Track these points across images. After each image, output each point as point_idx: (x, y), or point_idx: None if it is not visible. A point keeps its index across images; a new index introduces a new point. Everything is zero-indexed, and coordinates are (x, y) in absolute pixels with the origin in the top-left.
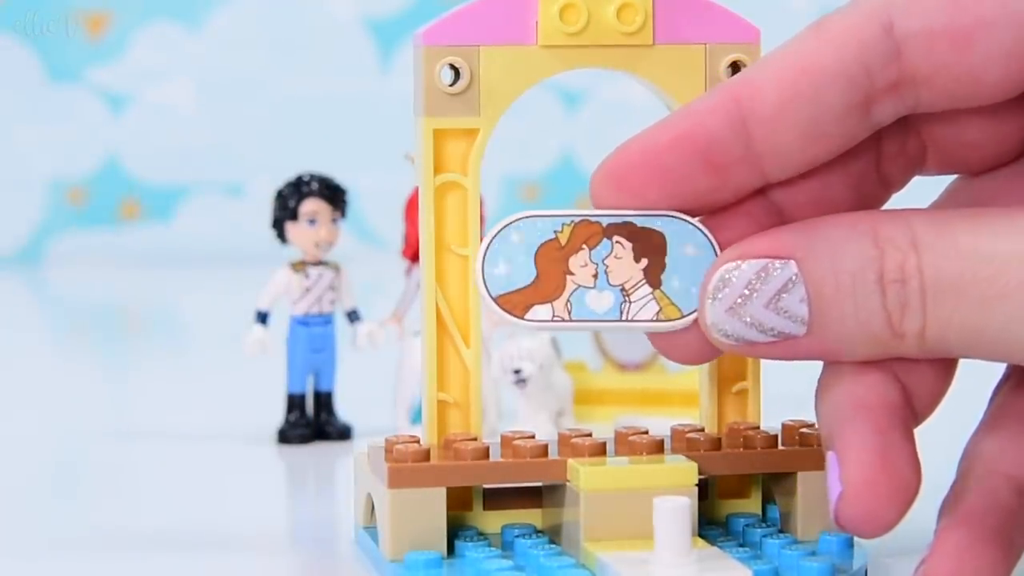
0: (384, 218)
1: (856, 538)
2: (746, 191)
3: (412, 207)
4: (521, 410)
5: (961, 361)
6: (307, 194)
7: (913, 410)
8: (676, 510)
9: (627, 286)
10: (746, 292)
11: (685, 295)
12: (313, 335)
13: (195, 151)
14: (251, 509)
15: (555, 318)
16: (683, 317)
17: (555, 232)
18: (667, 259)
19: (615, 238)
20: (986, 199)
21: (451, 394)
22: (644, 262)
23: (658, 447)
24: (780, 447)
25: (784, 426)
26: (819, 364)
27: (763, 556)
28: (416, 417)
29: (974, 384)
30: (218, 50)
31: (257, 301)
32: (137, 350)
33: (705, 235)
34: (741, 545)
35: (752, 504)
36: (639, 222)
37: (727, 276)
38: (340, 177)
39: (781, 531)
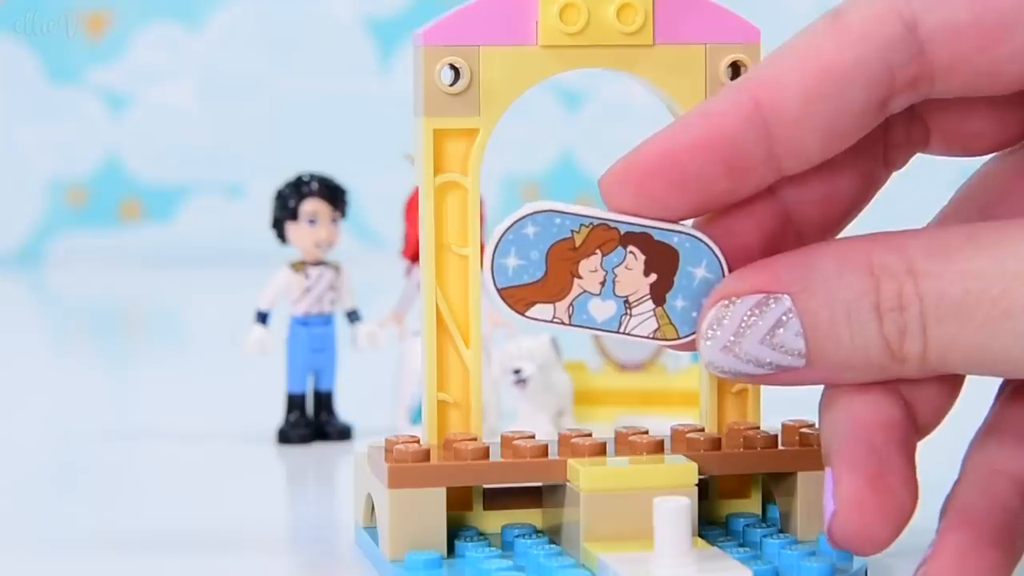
0: (384, 218)
1: None
2: (760, 189)
3: (412, 207)
4: (521, 410)
5: None
6: (307, 194)
7: (916, 424)
8: (676, 510)
9: (631, 299)
10: (740, 330)
11: (686, 318)
12: (313, 335)
13: (195, 151)
14: (251, 509)
15: (555, 319)
16: (679, 339)
17: (572, 232)
18: (676, 277)
19: (630, 247)
20: (994, 200)
21: (451, 394)
22: (653, 277)
23: (658, 447)
24: (780, 447)
25: (784, 426)
26: None
27: (763, 556)
28: (416, 417)
29: (976, 384)
30: (218, 50)
31: (257, 301)
32: (137, 350)
33: (718, 258)
34: (741, 545)
35: (752, 504)
36: (656, 235)
37: (720, 315)
38: (340, 177)
39: (781, 531)
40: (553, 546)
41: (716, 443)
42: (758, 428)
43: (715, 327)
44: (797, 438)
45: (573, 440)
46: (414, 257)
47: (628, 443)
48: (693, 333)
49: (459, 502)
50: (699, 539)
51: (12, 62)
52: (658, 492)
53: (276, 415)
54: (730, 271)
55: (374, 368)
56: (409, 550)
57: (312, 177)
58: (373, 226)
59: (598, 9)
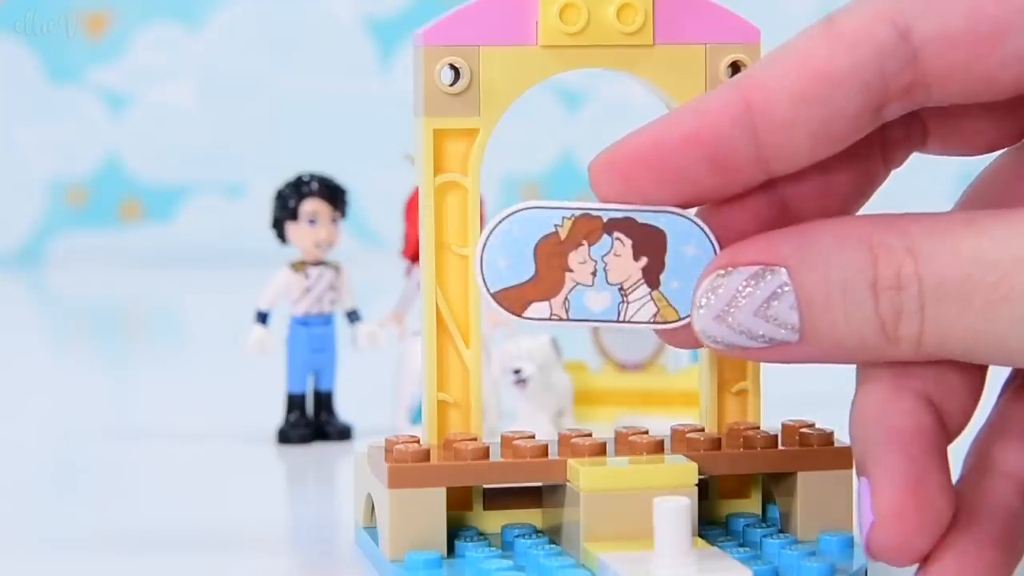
0: (384, 218)
1: (856, 537)
2: (750, 187)
3: (412, 207)
4: (521, 410)
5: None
6: (307, 194)
7: (946, 429)
8: (676, 510)
9: (625, 285)
10: (734, 300)
11: (683, 297)
12: (313, 335)
13: (195, 151)
14: (251, 509)
15: (552, 316)
16: (680, 320)
17: (555, 226)
18: (667, 258)
19: (615, 234)
20: (1002, 200)
21: (451, 394)
22: (643, 260)
23: (658, 447)
24: (780, 447)
25: (784, 426)
26: (820, 365)
27: (763, 556)
28: (416, 417)
29: None
30: (218, 50)
31: (257, 301)
32: (137, 350)
33: (706, 234)
34: (741, 545)
35: (752, 504)
36: (640, 218)
37: (715, 284)
38: (340, 177)
39: (781, 531)
40: (553, 546)
41: (716, 443)
42: (758, 428)
43: (709, 296)
44: (797, 438)
45: (573, 440)
46: (414, 257)
47: (628, 443)
48: None
49: (459, 502)
50: (699, 539)
51: (12, 62)
52: (658, 492)
53: (276, 415)
54: (721, 248)
55: (374, 368)
56: (409, 550)
57: (312, 177)
58: (373, 226)
59: (598, 9)
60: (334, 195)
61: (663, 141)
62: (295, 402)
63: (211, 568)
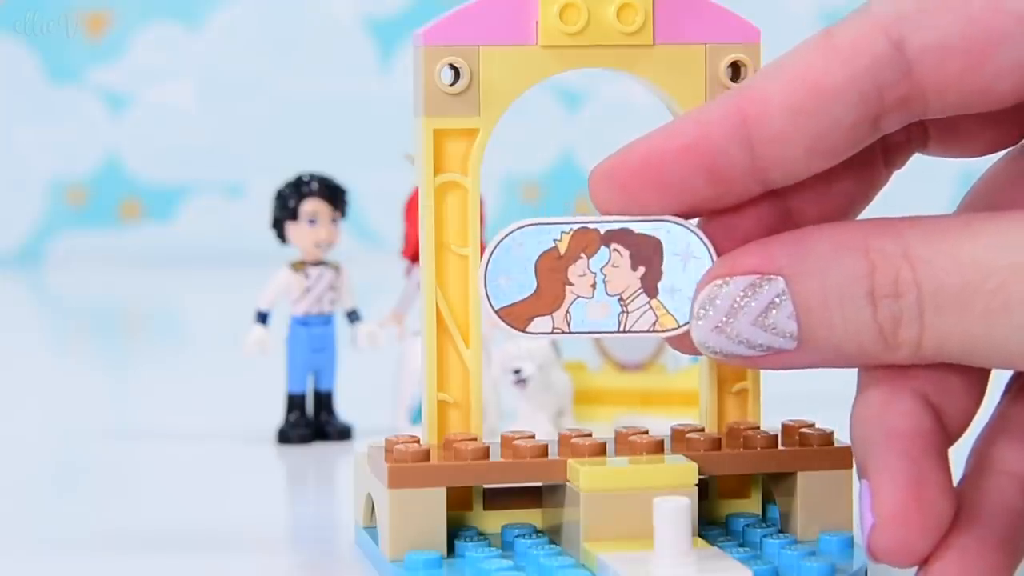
0: (384, 218)
1: (856, 537)
2: (747, 198)
3: (412, 207)
4: (521, 410)
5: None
6: (307, 194)
7: (946, 431)
8: (676, 510)
9: (624, 296)
10: (732, 310)
11: (681, 305)
12: (313, 335)
13: (195, 151)
14: (251, 509)
15: (555, 330)
16: (679, 327)
17: (554, 241)
18: (663, 267)
19: (613, 246)
20: (1002, 202)
21: (451, 394)
22: (641, 270)
23: (658, 447)
24: (780, 447)
25: (784, 426)
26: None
27: (763, 556)
28: (416, 417)
29: None
30: (218, 50)
31: (257, 301)
32: (137, 350)
33: (703, 242)
34: (741, 545)
35: (752, 504)
36: (637, 228)
37: (713, 295)
38: (340, 177)
39: (781, 531)
40: (553, 546)
41: (716, 443)
42: (758, 428)
43: (707, 307)
44: (797, 438)
45: (573, 440)
46: (414, 257)
47: (628, 443)
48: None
49: (459, 502)
50: (699, 539)
51: (12, 62)
52: (658, 492)
53: (276, 415)
54: (719, 254)
55: (374, 368)
56: (409, 550)
57: (312, 177)
58: (373, 226)
59: (598, 9)
60: (334, 195)
61: (660, 152)
62: (295, 402)
63: (211, 568)
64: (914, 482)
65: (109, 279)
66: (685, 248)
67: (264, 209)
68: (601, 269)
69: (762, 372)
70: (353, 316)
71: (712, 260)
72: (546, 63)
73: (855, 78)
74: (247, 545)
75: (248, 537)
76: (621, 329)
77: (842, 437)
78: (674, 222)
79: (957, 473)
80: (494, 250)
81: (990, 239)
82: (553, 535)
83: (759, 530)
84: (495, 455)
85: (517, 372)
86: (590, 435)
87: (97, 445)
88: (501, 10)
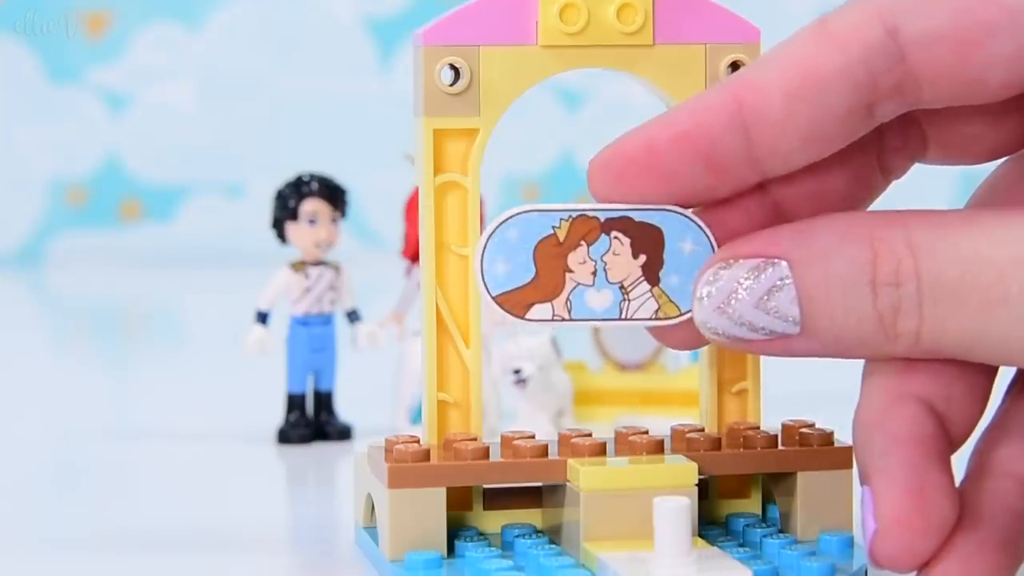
0: (384, 218)
1: (856, 537)
2: (744, 188)
3: (412, 207)
4: (521, 410)
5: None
6: (307, 194)
7: (949, 437)
8: (676, 510)
9: (626, 283)
10: (735, 292)
11: (683, 292)
12: (313, 335)
13: (195, 151)
14: (251, 509)
15: (555, 317)
16: (681, 315)
17: (553, 228)
18: (665, 255)
19: (613, 233)
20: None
21: (451, 394)
22: (642, 258)
23: (658, 447)
24: (780, 447)
25: (784, 426)
26: (820, 365)
27: (763, 556)
28: (416, 417)
29: None
30: (218, 50)
31: (257, 301)
32: (137, 350)
33: (703, 230)
34: (741, 545)
35: (752, 504)
36: (637, 216)
37: (716, 276)
38: (340, 177)
39: (781, 531)
40: (553, 546)
41: (716, 443)
42: (758, 428)
43: (710, 287)
44: (797, 438)
45: (573, 440)
46: (414, 257)
47: (628, 443)
48: None
49: (459, 502)
50: (699, 539)
51: (12, 62)
52: (658, 492)
53: (276, 415)
54: (719, 245)
55: (374, 368)
56: (409, 550)
57: (312, 177)
58: (373, 226)
59: (598, 9)
60: (334, 195)
61: (656, 141)
62: (295, 402)
63: (211, 568)
64: (916, 489)
65: (109, 279)
66: (686, 237)
67: (264, 209)
68: (602, 257)
69: (762, 372)
70: (353, 316)
71: (713, 249)
72: (546, 63)
73: (849, 65)
74: (247, 545)
75: (248, 537)
76: (622, 317)
77: (842, 437)
78: (675, 211)
79: (958, 474)
80: (490, 236)
81: (992, 233)
82: (553, 535)
83: (759, 530)
84: (495, 455)
85: (517, 372)
86: (590, 435)
87: (97, 445)
88: (501, 10)
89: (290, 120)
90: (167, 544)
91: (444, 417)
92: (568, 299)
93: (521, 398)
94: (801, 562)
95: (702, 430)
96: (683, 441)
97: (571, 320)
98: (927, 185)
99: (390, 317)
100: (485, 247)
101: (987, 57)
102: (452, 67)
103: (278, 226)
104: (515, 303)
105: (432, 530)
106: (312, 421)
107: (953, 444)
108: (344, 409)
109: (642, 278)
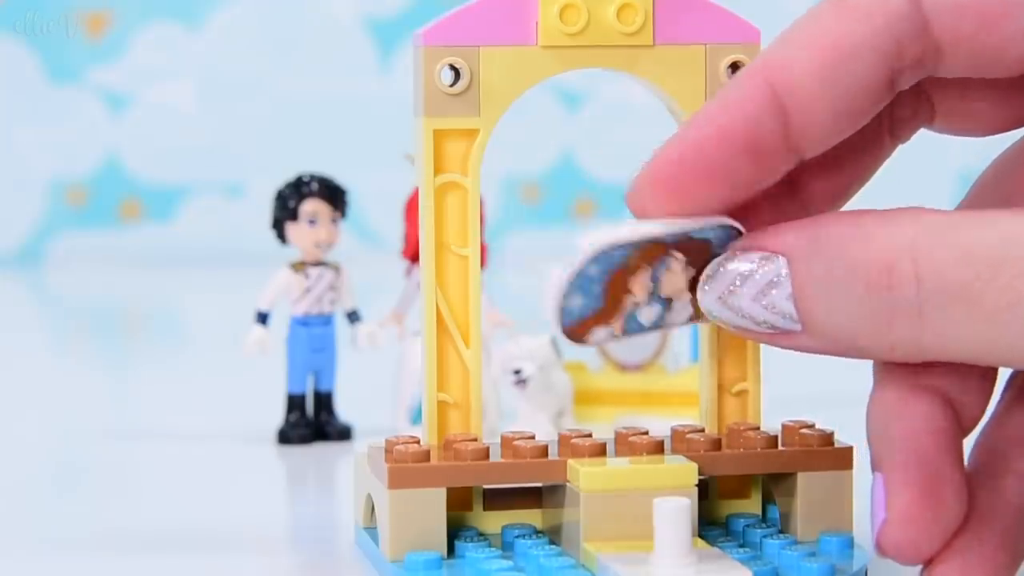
0: (384, 218)
1: (856, 538)
2: (784, 174)
3: (412, 207)
4: (521, 410)
5: None
6: (307, 194)
7: (961, 424)
8: (676, 510)
9: (674, 297)
10: (734, 284)
11: None
12: (313, 335)
13: (195, 151)
14: (251, 509)
15: (612, 337)
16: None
17: (626, 258)
18: (707, 262)
19: (673, 253)
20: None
21: (451, 394)
22: (691, 272)
23: (658, 447)
24: (780, 447)
25: (784, 426)
26: (820, 365)
27: (763, 556)
28: (416, 417)
29: None
30: (218, 50)
31: (257, 301)
32: (137, 350)
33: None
34: (741, 545)
35: (752, 504)
36: (695, 234)
37: (718, 267)
38: (340, 177)
39: (781, 531)
40: (553, 546)
41: (716, 443)
42: (758, 428)
43: (712, 276)
44: (797, 438)
45: (573, 440)
46: (414, 257)
47: (628, 443)
48: None
49: (459, 502)
50: (699, 539)
51: (12, 62)
52: (658, 492)
53: (276, 415)
54: None
55: (374, 368)
56: (409, 550)
57: (312, 177)
58: (373, 226)
59: (598, 9)
60: (334, 195)
61: (700, 140)
62: (295, 402)
63: (211, 568)
64: (928, 483)
65: (109, 279)
66: (727, 246)
67: (264, 209)
68: (657, 275)
69: (762, 372)
70: (353, 316)
71: None
72: (546, 63)
73: (876, 35)
74: (247, 545)
75: (248, 537)
76: (664, 324)
77: (842, 438)
78: (723, 223)
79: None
80: (574, 276)
81: (1000, 236)
82: (553, 535)
83: (759, 530)
84: (495, 455)
85: (517, 372)
86: (590, 435)
87: (97, 445)
88: (501, 10)
89: (290, 120)
90: (167, 544)
91: (444, 417)
92: (624, 319)
93: (521, 398)
94: (801, 563)
95: (702, 430)
96: (683, 442)
97: (623, 335)
98: (927, 185)
99: (390, 317)
100: (567, 284)
101: (1007, 31)
102: (452, 67)
103: (278, 226)
104: (578, 330)
105: (432, 530)
106: (312, 421)
107: (965, 430)
108: (344, 409)
109: (685, 289)
